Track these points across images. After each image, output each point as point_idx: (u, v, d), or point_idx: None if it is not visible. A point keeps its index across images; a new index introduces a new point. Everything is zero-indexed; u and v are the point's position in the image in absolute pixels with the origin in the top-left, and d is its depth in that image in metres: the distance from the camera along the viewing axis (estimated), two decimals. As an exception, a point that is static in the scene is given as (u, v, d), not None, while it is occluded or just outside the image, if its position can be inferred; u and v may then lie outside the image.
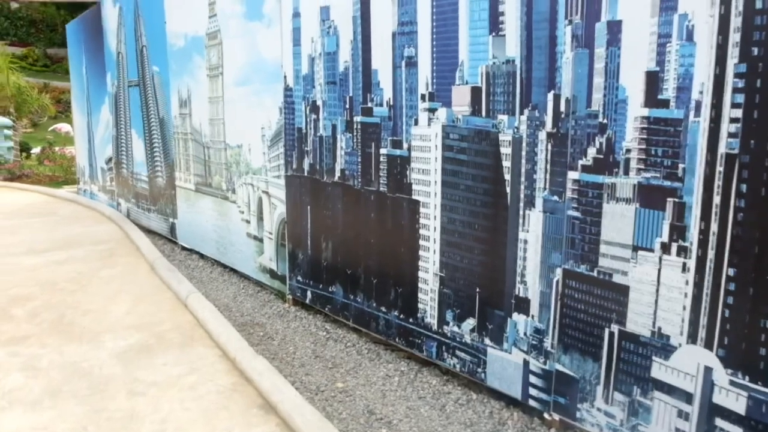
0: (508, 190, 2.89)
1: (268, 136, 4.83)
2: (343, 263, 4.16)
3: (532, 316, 2.85)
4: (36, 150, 14.75)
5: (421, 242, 3.43)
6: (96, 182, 9.78)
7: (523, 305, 2.89)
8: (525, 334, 2.90)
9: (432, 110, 3.27)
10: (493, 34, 2.88)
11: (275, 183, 4.83)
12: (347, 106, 3.97)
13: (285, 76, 4.51)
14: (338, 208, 4.17)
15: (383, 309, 3.79)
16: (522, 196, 2.83)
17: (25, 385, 3.21)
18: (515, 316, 2.93)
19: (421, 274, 3.46)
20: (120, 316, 4.36)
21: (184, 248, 6.72)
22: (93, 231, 7.47)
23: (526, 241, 2.84)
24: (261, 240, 5.16)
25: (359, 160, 3.93)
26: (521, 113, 2.80)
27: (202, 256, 6.42)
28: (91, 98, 9.50)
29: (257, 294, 5.08)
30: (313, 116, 4.29)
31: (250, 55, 4.95)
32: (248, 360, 3.36)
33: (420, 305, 3.49)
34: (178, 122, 6.43)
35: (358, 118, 3.88)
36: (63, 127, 15.38)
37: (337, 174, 4.13)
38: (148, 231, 7.45)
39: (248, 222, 5.33)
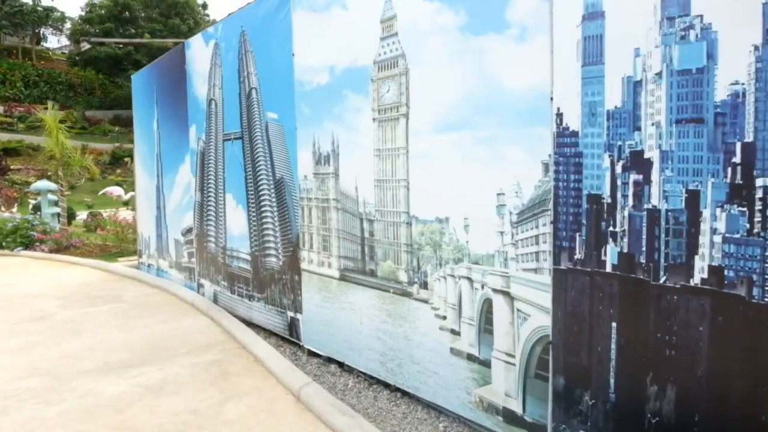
0: None
1: (514, 208, 3.13)
2: (707, 425, 2.35)
3: None
4: (82, 215, 13.30)
5: None
6: (166, 257, 8.14)
7: None
8: None
9: None
10: None
11: (526, 280, 3.09)
12: (730, 160, 2.26)
13: (559, 114, 2.85)
14: (699, 332, 2.39)
15: None
16: None
17: None
18: None
19: None
20: None
21: (312, 354, 4.95)
22: (181, 328, 5.75)
23: None
24: (484, 363, 3.38)
25: (764, 252, 2.19)
26: None
27: (341, 365, 4.64)
28: (163, 157, 8.01)
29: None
30: (633, 176, 2.58)
31: (471, 85, 3.32)
32: None
33: None
34: (311, 185, 4.79)
35: (762, 181, 2.17)
36: (114, 190, 14.03)
37: (699, 273, 2.38)
38: (248, 324, 5.71)
39: (455, 333, 3.56)
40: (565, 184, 2.88)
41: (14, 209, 17.63)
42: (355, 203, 4.31)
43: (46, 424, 3.66)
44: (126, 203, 14.36)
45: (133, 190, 14.70)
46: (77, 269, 9.47)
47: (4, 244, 11.44)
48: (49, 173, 15.68)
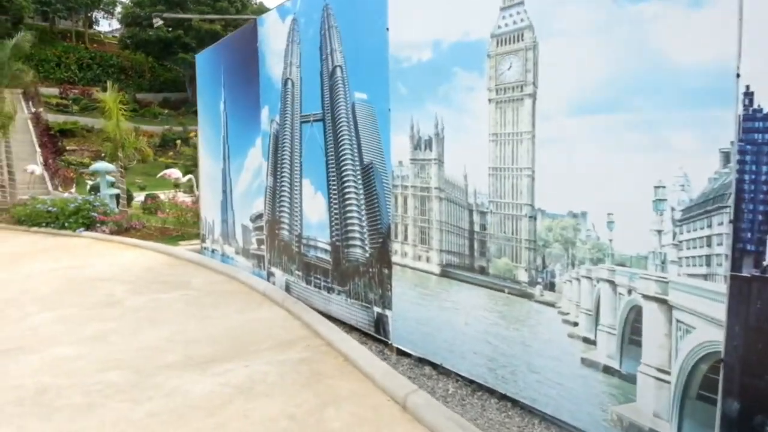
0: None
1: (679, 203, 2.70)
2: None
3: None
4: (139, 197, 13.40)
5: None
6: (232, 243, 8.00)
7: None
8: None
9: None
10: None
11: (691, 287, 2.68)
12: None
13: (748, 94, 2.40)
14: None
15: None
16: None
17: None
18: None
19: None
20: None
21: (401, 353, 4.66)
22: (258, 320, 5.56)
23: None
24: (627, 377, 2.99)
25: None
26: None
27: (434, 367, 4.34)
28: (230, 140, 7.82)
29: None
30: None
31: (623, 61, 2.89)
32: None
33: None
34: (407, 171, 4.45)
35: None
36: (172, 173, 14.07)
37: None
38: (327, 318, 5.46)
39: (588, 342, 3.18)
40: (753, 176, 2.44)
41: (72, 189, 18.02)
42: (463, 193, 3.95)
43: (136, 426, 3.48)
44: (177, 185, 14.41)
45: (190, 173, 14.78)
46: (140, 252, 9.48)
47: (66, 224, 11.61)
48: (103, 154, 15.90)
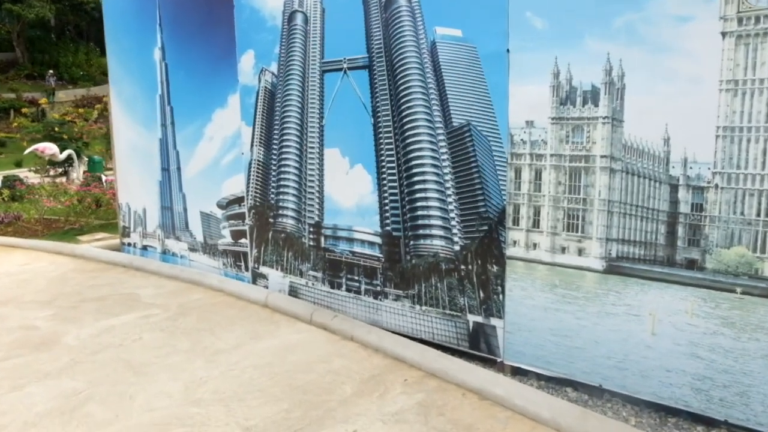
0: None
1: None
2: None
3: None
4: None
5: None
6: (182, 236, 6.28)
7: None
8: None
9: None
10: None
11: None
12: None
13: None
14: None
15: None
16: None
17: None
18: None
19: None
20: None
21: (517, 371, 3.70)
22: (295, 349, 4.18)
23: None
24: None
25: None
26: None
27: (575, 388, 3.47)
28: (175, 99, 6.02)
29: None
30: None
31: None
32: None
33: None
34: (544, 135, 3.41)
35: None
36: (47, 147, 11.00)
37: None
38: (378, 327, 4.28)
39: None
40: None
41: None
42: (660, 162, 3.02)
43: None
44: (53, 163, 11.52)
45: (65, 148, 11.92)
46: (30, 255, 7.21)
47: None
48: None
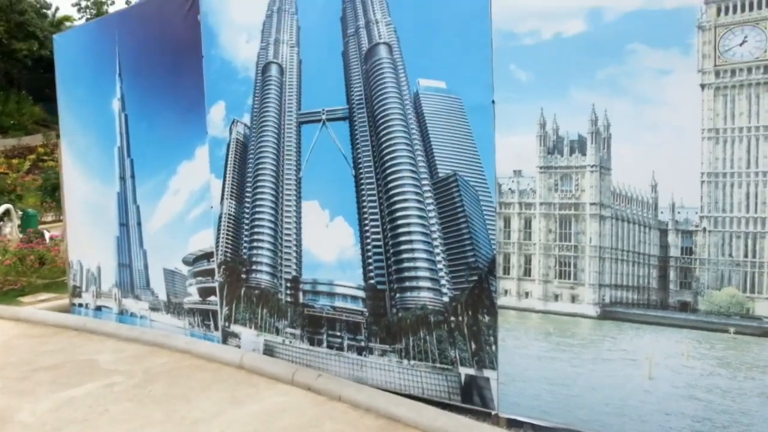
0: None
1: None
2: None
3: None
4: None
5: None
6: (142, 295, 5.98)
7: None
8: None
9: None
10: None
11: None
12: None
13: None
14: None
15: None
16: None
17: None
18: None
19: None
20: None
21: (513, 423, 3.67)
22: (282, 413, 3.98)
23: None
24: None
25: None
26: None
27: None
28: (135, 151, 5.84)
29: None
30: None
31: None
32: None
33: None
34: (533, 184, 3.50)
35: None
36: None
37: None
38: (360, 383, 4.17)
39: None
40: None
41: None
42: (649, 208, 3.15)
43: None
44: None
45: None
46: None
47: None
48: None
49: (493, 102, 3.56)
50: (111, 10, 32.12)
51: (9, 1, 25.08)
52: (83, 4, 32.85)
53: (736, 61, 2.87)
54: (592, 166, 3.29)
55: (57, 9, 31.95)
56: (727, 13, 2.87)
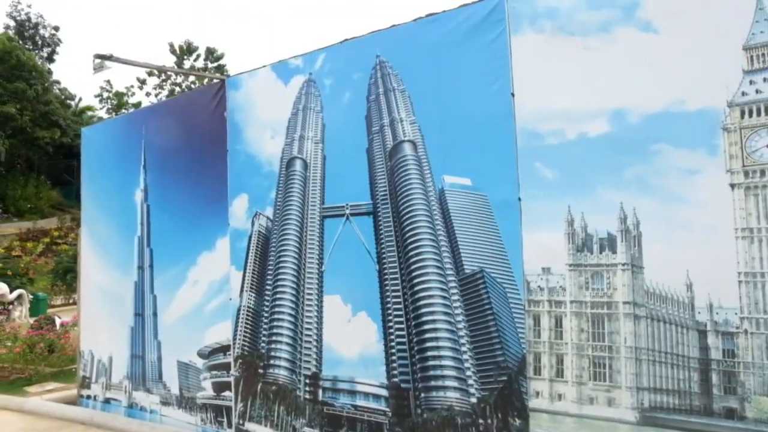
0: None
1: None
2: None
3: None
4: None
5: None
6: (153, 388, 5.84)
7: None
8: None
9: None
10: None
11: None
12: None
13: None
14: None
15: None
16: None
17: None
18: None
19: None
20: None
21: None
22: None
23: None
24: None
25: None
26: None
27: None
28: (155, 241, 5.91)
29: None
30: None
31: None
32: None
33: None
34: (562, 281, 3.47)
35: None
36: None
37: None
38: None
39: None
40: None
41: None
42: (685, 308, 3.09)
43: None
44: (1, 303, 10.81)
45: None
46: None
47: None
48: None
49: (519, 199, 3.60)
50: (132, 100, 33.66)
51: (36, 93, 26.36)
52: (105, 95, 34.44)
53: (764, 162, 2.91)
54: (623, 264, 3.26)
55: (80, 99, 33.49)
56: (750, 115, 2.95)
